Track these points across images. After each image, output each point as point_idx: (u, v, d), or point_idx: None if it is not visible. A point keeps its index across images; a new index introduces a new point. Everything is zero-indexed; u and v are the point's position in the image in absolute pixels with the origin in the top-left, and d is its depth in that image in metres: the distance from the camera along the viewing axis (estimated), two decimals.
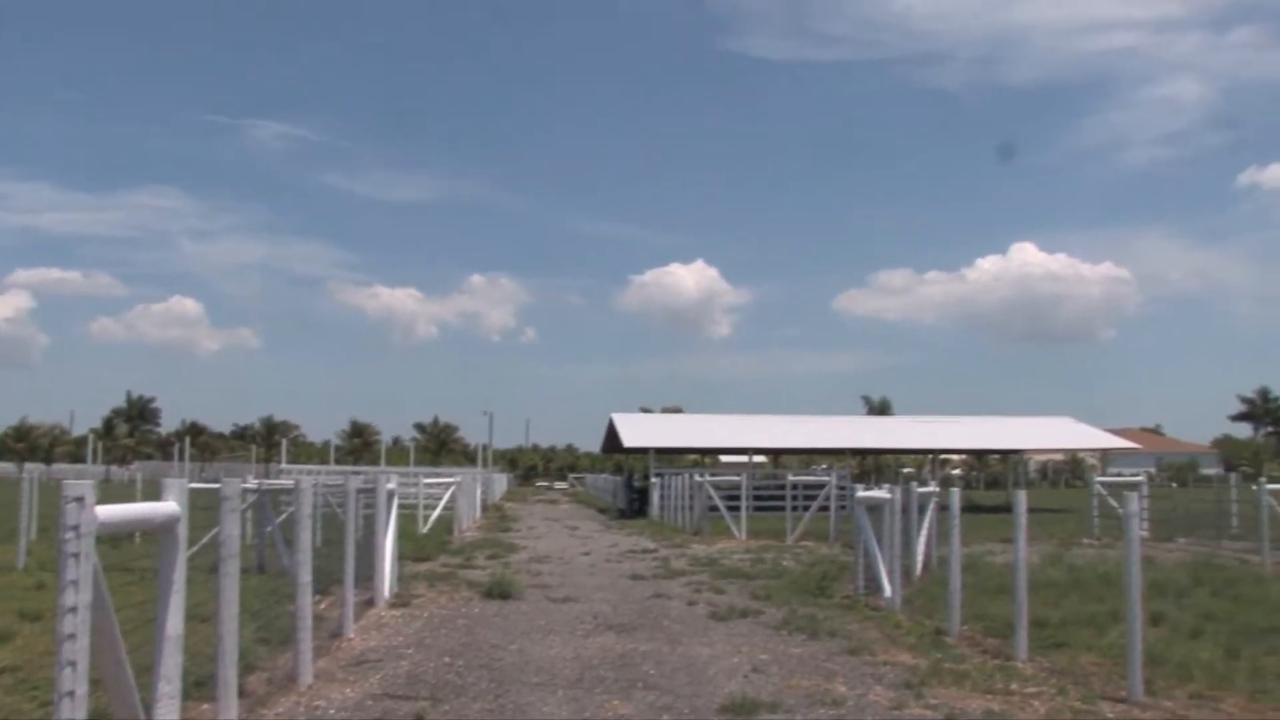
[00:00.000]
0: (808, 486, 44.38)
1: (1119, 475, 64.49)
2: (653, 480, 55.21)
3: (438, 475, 53.11)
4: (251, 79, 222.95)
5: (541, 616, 18.06)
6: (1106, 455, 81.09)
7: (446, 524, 39.60)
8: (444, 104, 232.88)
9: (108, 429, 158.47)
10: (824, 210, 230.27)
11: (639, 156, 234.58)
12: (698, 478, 44.32)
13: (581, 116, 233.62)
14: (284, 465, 69.48)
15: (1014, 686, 12.39)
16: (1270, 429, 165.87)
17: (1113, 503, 37.29)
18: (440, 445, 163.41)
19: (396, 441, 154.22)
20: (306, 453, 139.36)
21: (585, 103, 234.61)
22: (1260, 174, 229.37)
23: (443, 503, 42.38)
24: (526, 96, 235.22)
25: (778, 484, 50.62)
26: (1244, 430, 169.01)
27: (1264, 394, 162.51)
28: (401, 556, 22.86)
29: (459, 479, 44.15)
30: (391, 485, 20.45)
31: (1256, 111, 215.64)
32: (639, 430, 67.12)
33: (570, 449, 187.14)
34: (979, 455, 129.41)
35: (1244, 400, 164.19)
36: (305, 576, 12.36)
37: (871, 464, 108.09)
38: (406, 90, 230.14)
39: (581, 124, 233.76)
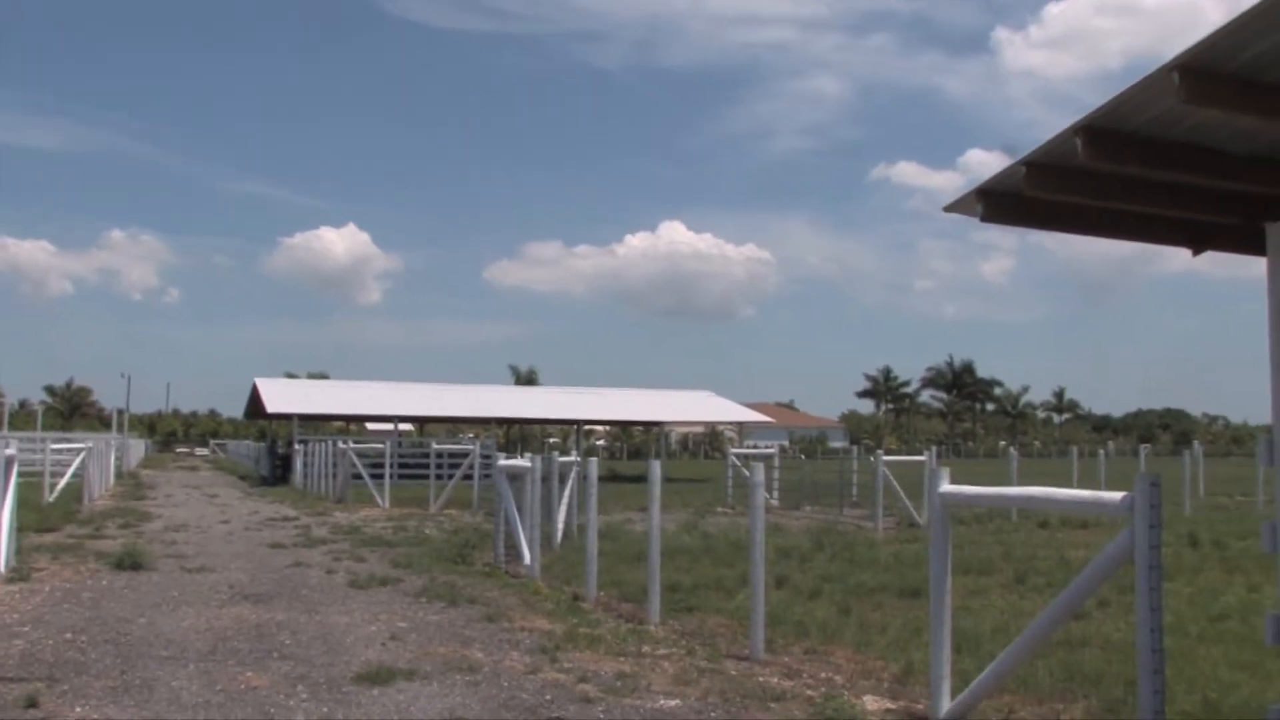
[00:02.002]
0: (452, 455, 44.40)
1: (754, 447, 66.60)
2: (296, 447, 54.35)
3: (68, 441, 50.95)
4: None
5: (175, 587, 17.49)
6: (744, 428, 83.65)
7: (75, 492, 38.09)
8: (84, 48, 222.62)
9: None
10: (478, 179, 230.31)
11: (291, 116, 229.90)
12: (341, 445, 43.83)
13: (231, 71, 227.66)
14: None
15: (645, 649, 12.62)
16: (890, 406, 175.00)
17: (746, 473, 38.49)
18: (73, 409, 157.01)
19: (23, 405, 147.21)
20: None
21: (235, 57, 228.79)
22: (889, 170, 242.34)
23: (71, 470, 40.73)
24: (172, 46, 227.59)
25: (422, 452, 50.52)
26: (868, 406, 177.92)
27: (886, 373, 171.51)
28: (22, 528, 21.83)
29: (90, 445, 42.45)
30: (10, 451, 19.44)
31: (888, 112, 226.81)
32: (283, 396, 65.90)
33: (213, 414, 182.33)
34: (623, 426, 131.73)
35: (869, 379, 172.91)
36: None
37: (518, 433, 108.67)
38: (42, 29, 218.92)
39: (231, 79, 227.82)
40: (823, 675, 11.38)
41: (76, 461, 41.06)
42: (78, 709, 9.77)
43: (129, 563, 19.69)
